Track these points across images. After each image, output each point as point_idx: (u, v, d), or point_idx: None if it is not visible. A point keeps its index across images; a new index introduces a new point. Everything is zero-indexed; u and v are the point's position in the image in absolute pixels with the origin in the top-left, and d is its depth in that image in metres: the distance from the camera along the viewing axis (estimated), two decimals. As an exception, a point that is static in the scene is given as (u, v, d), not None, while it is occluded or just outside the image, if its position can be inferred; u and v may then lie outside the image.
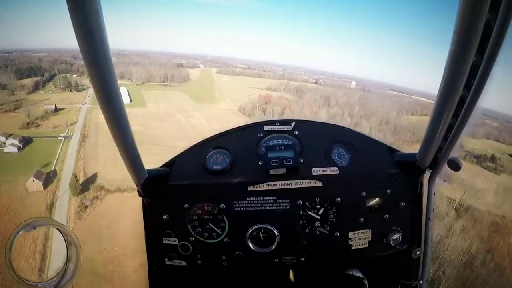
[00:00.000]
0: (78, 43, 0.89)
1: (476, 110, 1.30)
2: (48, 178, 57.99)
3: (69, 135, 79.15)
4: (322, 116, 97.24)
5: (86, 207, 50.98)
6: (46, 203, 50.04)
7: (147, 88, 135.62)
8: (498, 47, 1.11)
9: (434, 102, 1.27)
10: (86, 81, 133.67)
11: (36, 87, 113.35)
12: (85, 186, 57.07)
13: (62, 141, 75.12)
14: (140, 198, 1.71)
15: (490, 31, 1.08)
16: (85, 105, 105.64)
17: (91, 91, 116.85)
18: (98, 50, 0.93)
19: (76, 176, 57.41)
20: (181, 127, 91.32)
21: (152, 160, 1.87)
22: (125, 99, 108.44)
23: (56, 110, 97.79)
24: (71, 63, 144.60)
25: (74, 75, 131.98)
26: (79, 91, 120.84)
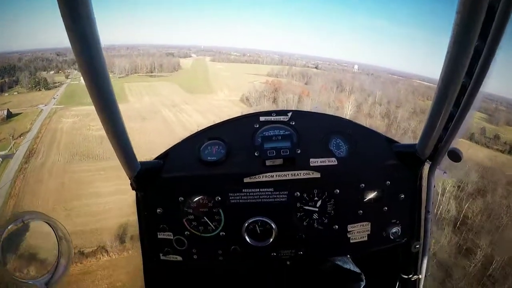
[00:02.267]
0: (68, 34, 0.86)
1: (478, 98, 1.24)
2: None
3: (10, 153, 55.57)
4: (348, 107, 72.58)
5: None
6: None
7: (130, 80, 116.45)
8: (501, 31, 1.06)
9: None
10: (60, 77, 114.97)
11: (0, 89, 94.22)
12: None
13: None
14: (134, 192, 1.63)
15: (493, 14, 1.03)
16: (46, 106, 79.70)
17: (61, 90, 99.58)
18: (88, 39, 0.89)
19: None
20: (169, 127, 67.98)
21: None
22: None
23: (10, 116, 74.73)
24: (51, 60, 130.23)
25: (51, 72, 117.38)
26: (49, 89, 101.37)
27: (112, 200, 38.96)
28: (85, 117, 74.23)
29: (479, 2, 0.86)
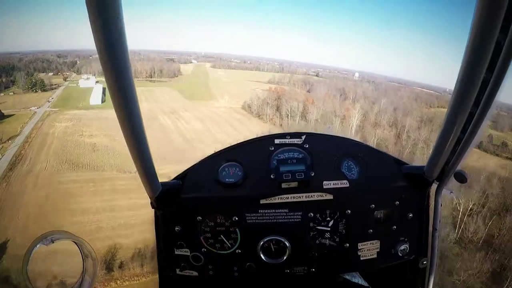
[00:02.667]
0: (102, 66, 0.87)
1: (484, 124, 1.32)
2: None
3: (-5, 159, 49.94)
4: (355, 116, 68.70)
5: None
6: None
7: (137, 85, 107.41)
8: (507, 64, 1.12)
9: (438, 93, 1.25)
10: (58, 79, 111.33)
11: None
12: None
13: (-19, 171, 46.94)
14: (152, 210, 1.67)
15: (500, 48, 1.09)
16: (39, 109, 75.89)
17: (57, 93, 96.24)
18: (122, 72, 0.90)
19: None
20: (166, 135, 63.15)
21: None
22: (98, 99, 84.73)
23: (1, 117, 70.82)
24: (51, 61, 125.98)
25: (50, 73, 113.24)
26: (45, 91, 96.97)
27: (100, 219, 34.35)
28: (78, 121, 70.05)
29: (487, 39, 0.91)
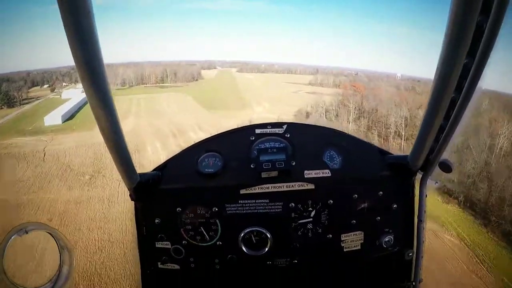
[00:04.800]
0: (71, 48, 0.85)
1: (467, 111, 1.27)
2: None
3: None
4: None
5: None
6: None
7: (131, 92, 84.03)
8: (489, 49, 1.07)
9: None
10: (44, 91, 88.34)
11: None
12: None
13: None
14: (132, 202, 1.62)
15: (481, 33, 1.05)
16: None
17: (24, 109, 67.45)
18: (91, 54, 0.88)
19: None
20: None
21: None
22: (57, 117, 49.59)
23: None
24: (51, 73, 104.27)
25: (46, 85, 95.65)
26: (12, 106, 71.48)
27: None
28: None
29: (467, 24, 0.87)
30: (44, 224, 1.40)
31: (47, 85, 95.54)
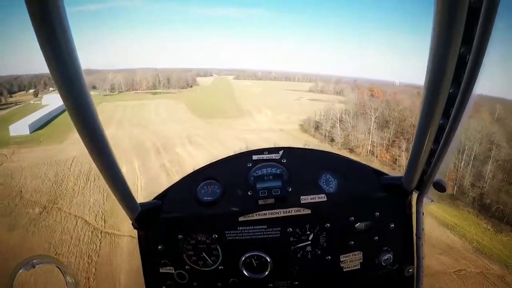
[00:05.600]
0: (47, 62, 0.78)
1: (456, 137, 1.27)
2: None
3: None
4: None
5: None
6: None
7: (119, 98, 78.49)
8: (474, 78, 1.06)
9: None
10: (26, 96, 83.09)
11: None
12: None
13: None
14: (135, 230, 1.65)
15: (465, 62, 1.04)
16: None
17: None
18: (69, 71, 0.82)
19: None
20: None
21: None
22: (24, 126, 42.44)
23: None
24: (39, 78, 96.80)
25: (31, 90, 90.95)
26: None
27: None
28: None
29: (450, 52, 0.87)
30: (51, 257, 1.39)
31: (34, 90, 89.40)
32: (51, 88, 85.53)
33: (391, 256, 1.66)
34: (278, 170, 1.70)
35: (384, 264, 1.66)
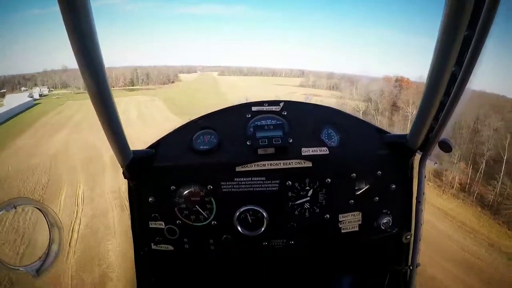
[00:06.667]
0: (67, 32, 0.85)
1: (468, 87, 1.22)
2: None
3: None
4: None
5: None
6: None
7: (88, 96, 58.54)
8: (490, 19, 1.02)
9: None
10: None
11: None
12: None
13: None
14: (126, 181, 1.58)
15: (482, 3, 1.01)
16: None
17: None
18: (85, 36, 0.88)
19: None
20: None
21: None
22: None
23: None
24: (27, 79, 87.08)
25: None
26: None
27: None
28: None
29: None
30: (33, 199, 1.32)
31: (4, 90, 78.21)
32: (23, 88, 78.80)
33: (390, 220, 1.60)
34: (278, 121, 1.63)
35: (383, 228, 1.60)
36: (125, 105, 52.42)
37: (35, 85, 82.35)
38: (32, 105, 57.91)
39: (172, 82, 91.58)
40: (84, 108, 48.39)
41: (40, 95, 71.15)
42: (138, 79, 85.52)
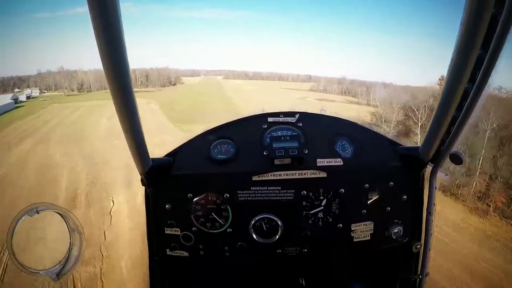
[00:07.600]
0: (93, 28, 0.83)
1: (479, 102, 1.24)
2: None
3: None
4: None
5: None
6: None
7: (80, 99, 63.23)
8: (503, 40, 1.05)
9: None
10: None
11: None
12: None
13: None
14: (143, 188, 1.61)
15: (495, 24, 1.03)
16: None
17: None
18: (111, 31, 0.86)
19: None
20: None
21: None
22: None
23: None
24: (23, 80, 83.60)
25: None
26: None
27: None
28: None
29: (482, 13, 0.87)
30: (55, 205, 1.34)
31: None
32: (16, 89, 75.09)
33: (401, 229, 1.62)
34: (294, 132, 1.66)
35: (394, 237, 1.62)
36: (112, 110, 43.81)
37: (28, 86, 77.77)
38: (11, 108, 51.16)
39: (174, 84, 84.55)
40: (65, 113, 40.91)
41: (28, 97, 66.79)
42: (137, 80, 78.65)
